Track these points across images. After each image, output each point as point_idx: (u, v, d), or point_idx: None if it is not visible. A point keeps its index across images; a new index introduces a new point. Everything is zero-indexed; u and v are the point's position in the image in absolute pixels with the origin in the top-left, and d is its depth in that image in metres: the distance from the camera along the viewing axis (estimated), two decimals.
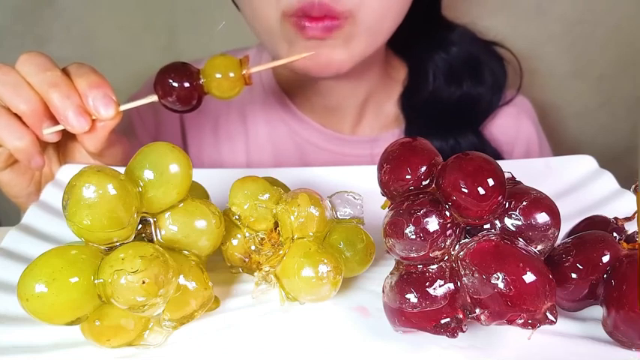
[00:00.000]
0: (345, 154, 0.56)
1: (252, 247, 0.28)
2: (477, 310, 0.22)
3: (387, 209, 0.24)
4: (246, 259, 0.28)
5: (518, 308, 0.21)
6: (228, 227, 0.28)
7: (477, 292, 0.22)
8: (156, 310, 0.22)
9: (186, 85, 0.36)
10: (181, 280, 0.24)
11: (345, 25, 0.43)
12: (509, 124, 0.58)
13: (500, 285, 0.21)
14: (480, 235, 0.23)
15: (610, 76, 0.76)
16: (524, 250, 0.22)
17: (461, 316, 0.22)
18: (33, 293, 0.21)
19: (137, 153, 0.25)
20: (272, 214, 0.28)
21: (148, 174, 0.24)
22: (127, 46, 0.73)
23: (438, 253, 0.23)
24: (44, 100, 0.34)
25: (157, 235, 0.25)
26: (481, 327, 0.24)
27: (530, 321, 0.21)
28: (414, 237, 0.22)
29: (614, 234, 0.25)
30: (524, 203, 0.23)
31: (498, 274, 0.21)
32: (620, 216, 0.26)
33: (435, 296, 0.22)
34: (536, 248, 0.23)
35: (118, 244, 0.23)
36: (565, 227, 0.25)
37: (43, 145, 0.37)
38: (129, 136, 0.42)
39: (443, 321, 0.22)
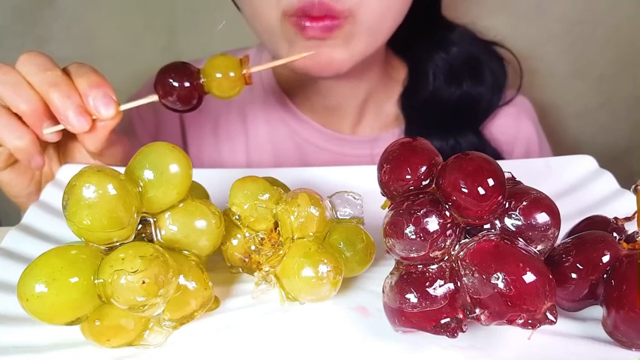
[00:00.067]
0: (345, 154, 0.56)
1: (252, 247, 0.28)
2: (477, 310, 0.22)
3: (387, 209, 0.24)
4: (246, 259, 0.28)
5: (518, 308, 0.21)
6: (228, 227, 0.28)
7: (477, 292, 0.22)
8: (156, 310, 0.22)
9: (187, 84, 0.36)
10: (181, 280, 0.24)
11: (345, 24, 0.43)
12: (509, 124, 0.58)
13: (500, 285, 0.21)
14: (480, 235, 0.23)
15: (610, 76, 0.76)
16: (524, 250, 0.22)
17: (461, 316, 0.22)
18: (33, 293, 0.21)
19: (137, 153, 0.25)
20: (272, 214, 0.28)
21: (148, 174, 0.24)
22: (127, 46, 0.73)
23: (438, 253, 0.23)
24: (44, 100, 0.34)
25: (157, 235, 0.25)
26: (481, 327, 0.24)
27: (530, 321, 0.21)
28: (414, 237, 0.22)
29: (614, 234, 0.25)
30: (524, 203, 0.23)
31: (498, 274, 0.21)
32: (620, 216, 0.26)
33: (435, 296, 0.22)
34: (536, 248, 0.23)
35: (118, 244, 0.23)
36: (565, 227, 0.25)
37: (44, 145, 0.37)
38: (129, 136, 0.42)
39: (443, 321, 0.22)
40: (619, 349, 0.24)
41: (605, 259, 0.24)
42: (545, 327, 0.22)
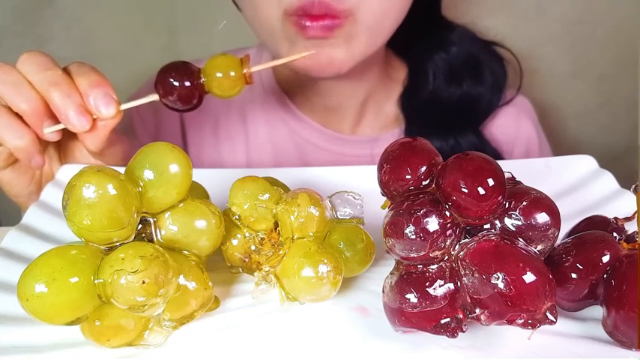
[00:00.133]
0: (345, 154, 0.56)
1: (252, 247, 0.28)
2: (477, 310, 0.22)
3: (387, 209, 0.24)
4: (246, 259, 0.28)
5: (518, 308, 0.21)
6: (228, 227, 0.28)
7: (477, 292, 0.22)
8: (156, 310, 0.22)
9: (187, 84, 0.36)
10: (181, 280, 0.24)
11: (345, 24, 0.43)
12: (509, 124, 0.58)
13: (500, 285, 0.21)
14: (480, 235, 0.23)
15: (610, 76, 0.76)
16: (524, 250, 0.22)
17: (461, 316, 0.22)
18: (33, 293, 0.21)
19: (137, 153, 0.25)
20: (272, 214, 0.28)
21: (148, 174, 0.24)
22: (127, 46, 0.73)
23: (438, 253, 0.23)
24: (45, 99, 0.34)
25: (157, 235, 0.25)
26: (481, 327, 0.24)
27: (530, 321, 0.21)
28: (414, 237, 0.22)
29: (614, 234, 0.25)
30: (524, 203, 0.23)
31: (498, 274, 0.21)
32: (620, 216, 0.26)
33: (435, 296, 0.22)
34: (536, 248, 0.23)
35: (118, 244, 0.23)
36: (565, 227, 0.25)
37: (44, 145, 0.37)
38: (129, 136, 0.42)
39: (443, 321, 0.22)
40: (619, 349, 0.24)
41: (605, 259, 0.24)
42: (545, 327, 0.22)
